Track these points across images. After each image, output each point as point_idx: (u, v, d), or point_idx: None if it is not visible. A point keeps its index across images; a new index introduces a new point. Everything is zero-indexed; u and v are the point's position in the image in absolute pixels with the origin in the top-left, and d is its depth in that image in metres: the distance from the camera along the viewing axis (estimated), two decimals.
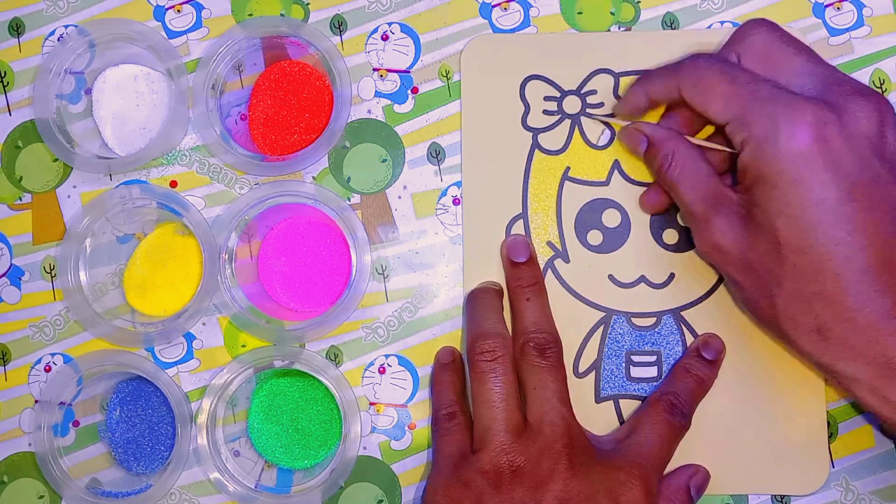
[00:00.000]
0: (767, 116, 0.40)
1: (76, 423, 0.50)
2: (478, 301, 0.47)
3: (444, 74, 0.50)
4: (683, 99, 0.43)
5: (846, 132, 0.39)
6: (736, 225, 0.41)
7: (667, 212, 0.48)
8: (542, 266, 0.48)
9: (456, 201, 0.49)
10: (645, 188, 0.48)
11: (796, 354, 0.43)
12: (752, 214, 0.40)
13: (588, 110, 0.49)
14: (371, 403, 0.48)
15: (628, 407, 0.47)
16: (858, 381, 0.39)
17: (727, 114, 0.41)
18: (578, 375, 0.48)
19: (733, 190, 0.42)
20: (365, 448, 0.48)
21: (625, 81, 0.49)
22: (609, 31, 0.49)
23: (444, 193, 0.49)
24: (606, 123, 0.48)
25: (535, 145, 0.49)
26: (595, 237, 0.48)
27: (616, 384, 0.48)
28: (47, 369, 0.49)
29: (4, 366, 0.50)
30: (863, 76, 0.48)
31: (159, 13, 0.51)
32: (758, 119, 0.40)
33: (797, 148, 0.39)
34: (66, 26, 0.51)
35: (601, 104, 0.49)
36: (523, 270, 0.47)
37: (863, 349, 0.39)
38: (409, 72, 0.50)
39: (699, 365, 0.46)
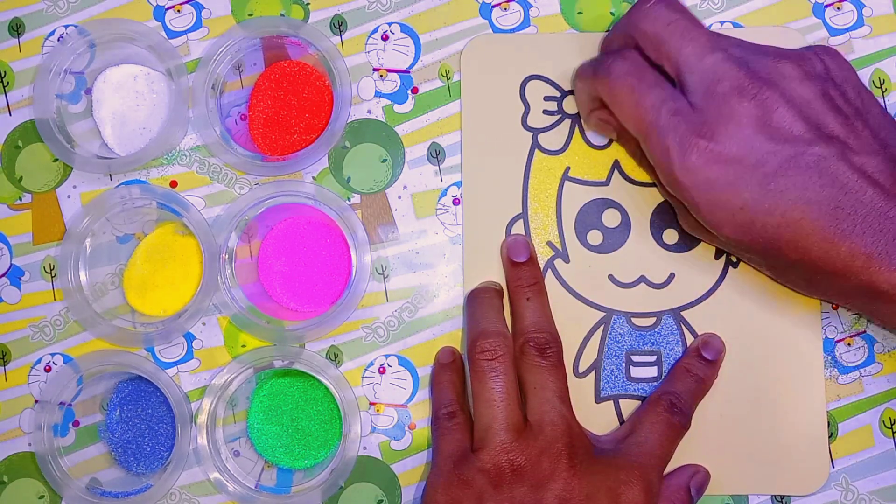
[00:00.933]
0: (663, 149, 0.41)
1: (76, 423, 0.50)
2: (478, 301, 0.47)
3: (444, 74, 0.50)
4: None
5: (733, 143, 0.40)
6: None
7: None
8: (542, 266, 0.48)
9: (456, 201, 0.49)
10: (645, 187, 0.48)
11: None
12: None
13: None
14: (371, 403, 0.48)
15: (628, 407, 0.47)
16: (859, 310, 0.42)
17: (635, 134, 0.43)
18: (578, 375, 0.48)
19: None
20: (365, 448, 0.48)
21: None
22: (609, 31, 0.49)
23: (444, 193, 0.49)
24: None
25: (535, 145, 0.49)
26: (595, 237, 0.48)
27: (616, 384, 0.48)
28: (47, 369, 0.49)
29: (4, 366, 0.50)
30: (863, 76, 0.48)
31: (159, 13, 0.51)
32: (657, 149, 0.41)
33: (693, 178, 0.40)
34: (66, 26, 0.51)
35: None
36: (523, 270, 0.47)
37: (848, 292, 0.41)
38: (409, 72, 0.50)
39: (699, 365, 0.46)
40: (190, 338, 0.49)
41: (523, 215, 0.49)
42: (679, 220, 0.46)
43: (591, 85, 0.45)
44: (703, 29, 0.42)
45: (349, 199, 0.49)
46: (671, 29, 0.42)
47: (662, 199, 0.48)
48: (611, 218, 0.48)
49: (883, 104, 0.48)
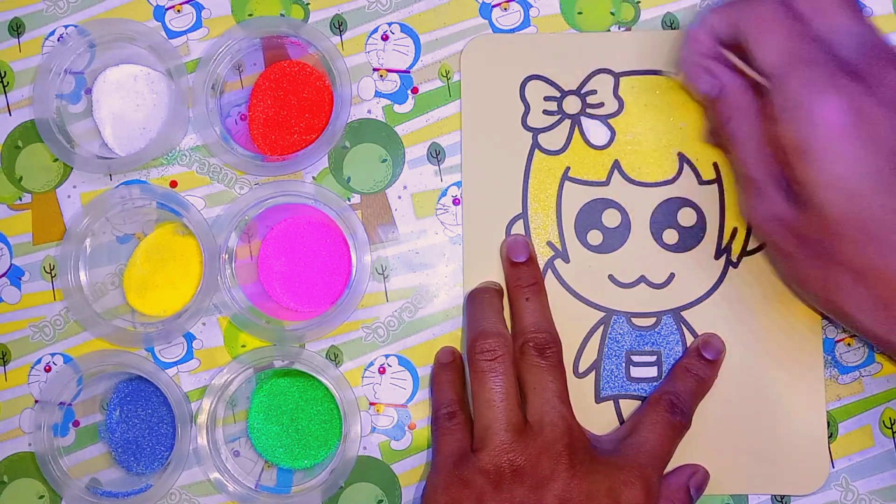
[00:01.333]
0: (806, 83, 0.38)
1: (76, 423, 0.50)
2: (478, 301, 0.47)
3: (444, 74, 0.50)
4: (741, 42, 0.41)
5: (882, 102, 0.38)
6: (792, 198, 0.40)
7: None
8: (541, 266, 0.48)
9: (456, 201, 0.49)
10: (645, 187, 0.48)
11: (851, 328, 0.42)
12: (799, 190, 0.39)
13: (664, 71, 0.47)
14: (371, 403, 0.48)
15: (628, 407, 0.47)
16: None
17: (773, 67, 0.39)
18: (578, 375, 0.48)
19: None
20: (365, 448, 0.48)
21: (625, 81, 0.49)
22: (609, 31, 0.49)
23: (444, 193, 0.49)
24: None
25: (535, 145, 0.49)
26: (595, 237, 0.48)
27: (616, 384, 0.48)
28: (47, 369, 0.49)
29: (4, 366, 0.50)
30: None
31: (159, 13, 0.51)
32: (797, 84, 0.38)
33: (832, 120, 0.37)
34: (66, 26, 0.51)
35: (601, 104, 0.49)
36: (523, 270, 0.47)
37: None
38: (409, 72, 0.50)
39: (699, 365, 0.46)
40: (190, 338, 0.49)
41: (523, 215, 0.49)
42: (745, 199, 0.42)
43: (728, 14, 0.41)
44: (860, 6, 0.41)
45: (349, 199, 0.49)
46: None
47: (662, 200, 0.48)
48: (611, 218, 0.48)
49: None
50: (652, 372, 0.48)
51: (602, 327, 0.48)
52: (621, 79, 0.49)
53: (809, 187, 0.38)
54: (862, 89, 0.38)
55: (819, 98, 0.38)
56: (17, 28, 0.51)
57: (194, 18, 0.51)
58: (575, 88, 0.49)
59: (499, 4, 0.50)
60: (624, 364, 0.48)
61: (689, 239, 0.48)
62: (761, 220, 0.42)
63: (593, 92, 0.49)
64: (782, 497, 0.47)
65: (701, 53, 0.43)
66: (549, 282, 0.48)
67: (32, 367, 0.50)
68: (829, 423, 0.47)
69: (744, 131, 0.41)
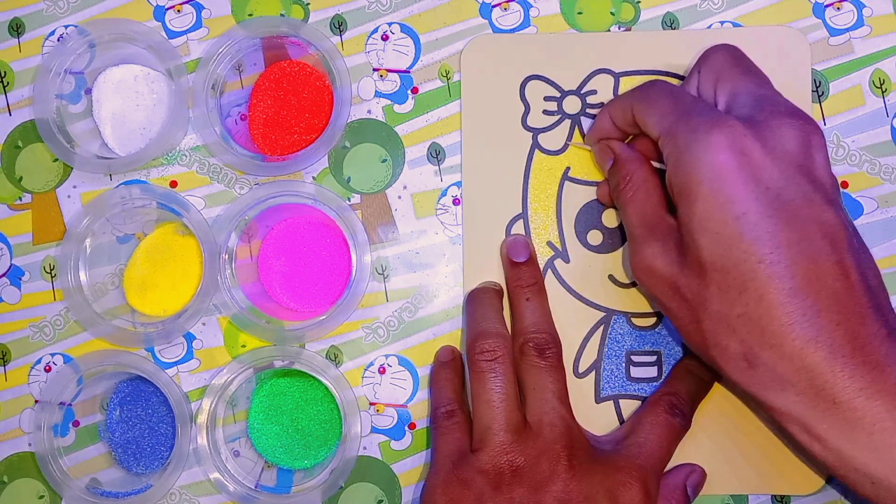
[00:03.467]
0: (691, 129, 0.39)
1: (76, 423, 0.50)
2: (478, 301, 0.47)
3: (444, 74, 0.50)
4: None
5: (768, 147, 0.37)
6: (671, 250, 0.40)
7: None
8: (542, 266, 0.48)
9: (456, 201, 0.49)
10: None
11: (728, 386, 0.42)
12: (681, 236, 0.39)
13: (572, 141, 0.49)
14: (371, 403, 0.48)
15: (628, 407, 0.47)
16: (789, 415, 0.37)
17: (660, 127, 0.41)
18: (578, 375, 0.48)
19: (675, 217, 0.41)
20: (365, 448, 0.48)
21: (625, 81, 0.49)
22: (609, 31, 0.49)
23: (444, 193, 0.49)
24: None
25: (535, 145, 0.49)
26: (595, 237, 0.48)
27: (616, 384, 0.48)
28: (47, 369, 0.49)
29: (4, 366, 0.50)
30: (863, 76, 0.49)
31: (159, 13, 0.51)
32: (682, 131, 0.39)
33: (714, 159, 0.37)
34: (66, 26, 0.51)
35: (601, 104, 0.49)
36: (523, 270, 0.47)
37: (791, 378, 0.36)
38: (409, 72, 0.50)
39: (700, 365, 0.46)
40: (190, 338, 0.49)
41: (523, 215, 0.49)
42: (632, 253, 0.42)
43: (624, 100, 0.44)
44: (766, 76, 0.42)
45: (349, 199, 0.49)
46: (741, 63, 0.42)
47: None
48: (611, 218, 0.48)
49: (883, 103, 0.48)
50: (652, 372, 0.48)
51: (602, 327, 0.48)
52: (621, 79, 0.49)
53: (687, 229, 0.38)
54: (749, 132, 0.38)
55: (703, 138, 0.38)
56: (17, 28, 0.51)
57: (194, 18, 0.51)
58: (575, 88, 0.49)
59: (499, 4, 0.50)
60: (624, 364, 0.48)
61: None
62: (637, 270, 0.42)
63: (593, 92, 0.49)
64: (782, 497, 0.47)
65: (599, 135, 0.46)
66: (549, 282, 0.48)
67: (32, 367, 0.50)
68: None
69: (631, 191, 0.43)
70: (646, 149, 0.45)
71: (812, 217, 0.37)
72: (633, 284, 0.48)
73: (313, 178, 0.49)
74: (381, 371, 0.49)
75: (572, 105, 0.49)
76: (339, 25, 0.50)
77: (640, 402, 0.47)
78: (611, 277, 0.48)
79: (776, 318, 0.36)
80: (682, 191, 0.39)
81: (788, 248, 0.36)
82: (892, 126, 0.48)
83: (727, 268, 0.37)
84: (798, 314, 0.36)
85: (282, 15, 0.50)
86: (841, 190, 0.40)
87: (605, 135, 0.46)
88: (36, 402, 0.49)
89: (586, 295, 0.48)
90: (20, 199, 0.50)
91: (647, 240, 0.41)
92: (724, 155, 0.37)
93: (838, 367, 0.35)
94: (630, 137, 0.46)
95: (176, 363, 0.49)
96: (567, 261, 0.48)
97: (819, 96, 0.49)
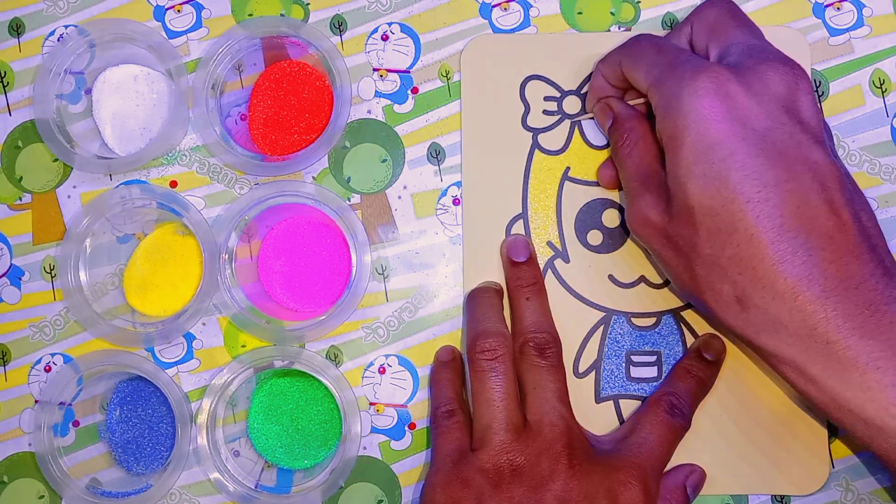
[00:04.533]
0: (677, 77, 0.39)
1: (76, 423, 0.50)
2: (478, 300, 0.47)
3: (444, 74, 0.50)
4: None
5: (753, 90, 0.37)
6: (663, 201, 0.40)
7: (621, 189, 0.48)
8: (542, 266, 0.48)
9: (456, 201, 0.49)
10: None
11: (722, 330, 0.41)
12: (668, 186, 0.39)
13: (582, 116, 0.49)
14: (371, 403, 0.48)
15: (628, 407, 0.47)
16: (783, 357, 0.37)
17: (648, 79, 0.41)
18: (578, 375, 0.48)
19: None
20: (365, 448, 0.48)
21: None
22: (609, 31, 0.49)
23: (444, 193, 0.49)
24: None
25: (535, 145, 0.49)
26: (595, 237, 0.48)
27: (616, 384, 0.48)
28: (47, 369, 0.49)
29: (4, 366, 0.50)
30: (863, 76, 0.49)
31: (159, 13, 0.51)
32: (669, 80, 0.39)
33: (699, 103, 0.37)
34: (66, 26, 0.51)
35: None
36: (523, 270, 0.47)
37: (783, 319, 0.36)
38: (409, 72, 0.50)
39: (700, 365, 0.46)
40: (190, 338, 0.49)
41: (523, 215, 0.49)
42: (628, 209, 0.43)
43: (613, 57, 0.44)
44: (758, 28, 0.42)
45: (349, 199, 0.49)
46: (736, 17, 0.42)
47: None
48: (611, 218, 0.48)
49: (883, 103, 0.48)
50: (652, 372, 0.48)
51: (602, 327, 0.48)
52: None
53: (675, 175, 0.38)
54: (733, 77, 0.38)
55: (689, 84, 0.38)
56: (17, 28, 0.51)
57: (194, 18, 0.51)
58: (575, 88, 0.49)
59: (499, 4, 0.50)
60: (624, 364, 0.48)
61: None
62: (632, 222, 0.42)
63: None
64: (782, 497, 0.47)
65: (598, 95, 0.46)
66: (549, 282, 0.48)
67: (32, 367, 0.50)
68: (829, 423, 0.47)
69: (629, 147, 0.43)
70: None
71: (800, 156, 0.37)
72: (633, 284, 0.48)
73: (313, 178, 0.49)
74: (381, 371, 0.49)
75: (572, 105, 0.49)
76: (339, 25, 0.50)
77: (640, 402, 0.47)
78: (611, 277, 0.48)
79: (767, 257, 0.36)
80: (669, 138, 0.39)
81: (777, 187, 0.36)
82: (892, 126, 0.48)
83: (715, 209, 0.37)
84: (789, 252, 0.35)
85: (282, 15, 0.50)
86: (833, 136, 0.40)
87: (602, 94, 0.46)
88: (36, 402, 0.49)
89: (586, 295, 0.48)
90: (20, 199, 0.50)
91: (641, 192, 0.42)
92: (708, 99, 0.37)
93: (830, 306, 0.35)
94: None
95: (176, 363, 0.49)
96: (567, 261, 0.48)
97: (819, 96, 0.49)
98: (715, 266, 0.38)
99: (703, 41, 0.42)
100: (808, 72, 0.48)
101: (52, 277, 0.50)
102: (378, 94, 0.50)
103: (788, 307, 0.36)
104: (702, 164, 0.37)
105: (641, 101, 0.45)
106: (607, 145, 0.49)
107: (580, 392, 0.47)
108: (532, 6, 0.50)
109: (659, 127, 0.40)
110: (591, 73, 0.49)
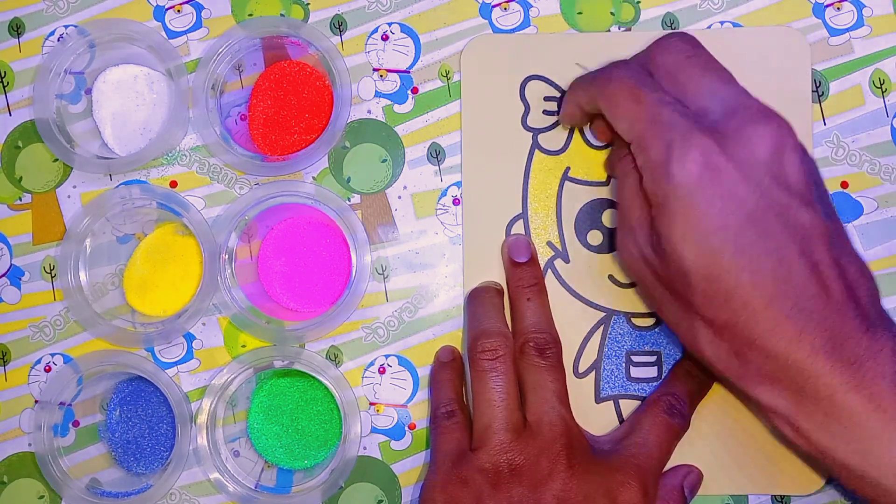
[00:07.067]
0: (664, 143, 0.39)
1: (76, 423, 0.50)
2: (479, 300, 0.47)
3: (444, 74, 0.50)
4: None
5: (738, 159, 0.38)
6: (653, 240, 0.41)
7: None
8: (541, 266, 0.48)
9: (456, 201, 0.49)
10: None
11: (708, 370, 0.42)
12: (659, 241, 0.40)
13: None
14: (371, 403, 0.48)
15: (628, 407, 0.47)
16: (775, 410, 0.39)
17: (631, 134, 0.41)
18: (578, 375, 0.48)
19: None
20: (365, 448, 0.48)
21: None
22: (609, 31, 0.49)
23: (444, 193, 0.49)
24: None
25: (535, 145, 0.49)
26: (595, 237, 0.48)
27: (616, 384, 0.48)
28: (47, 369, 0.49)
29: (4, 366, 0.50)
30: (863, 76, 0.49)
31: (159, 13, 0.51)
32: (654, 144, 0.39)
33: (688, 177, 0.38)
34: (66, 26, 0.51)
35: None
36: (524, 270, 0.47)
37: (777, 375, 0.38)
38: (409, 72, 0.50)
39: (699, 366, 0.46)
40: (190, 338, 0.49)
41: (523, 215, 0.49)
42: (618, 239, 0.43)
43: (587, 90, 0.43)
44: (725, 68, 0.42)
45: (349, 199, 0.49)
46: (692, 60, 0.41)
47: None
48: (611, 218, 0.48)
49: (883, 103, 0.48)
50: (652, 372, 0.48)
51: (602, 327, 0.48)
52: None
53: (667, 240, 0.39)
54: (719, 148, 0.38)
55: (676, 157, 0.38)
56: (17, 28, 0.51)
57: (194, 18, 0.51)
58: None
59: (499, 4, 0.50)
60: (624, 364, 0.48)
61: None
62: (628, 257, 0.42)
63: None
64: (782, 497, 0.47)
65: (571, 122, 0.47)
66: (549, 282, 0.48)
67: (32, 367, 0.50)
68: None
69: (624, 174, 0.42)
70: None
71: (787, 223, 0.37)
72: (633, 285, 0.48)
73: (313, 178, 0.49)
74: (381, 371, 0.49)
75: None
76: (339, 25, 0.50)
77: (640, 402, 0.47)
78: (611, 277, 0.48)
79: (761, 323, 0.37)
80: (658, 203, 0.39)
81: (767, 257, 0.37)
82: (892, 126, 0.48)
83: (711, 277, 0.38)
84: (781, 318, 0.37)
85: (282, 15, 0.50)
86: (826, 188, 0.40)
87: (574, 122, 0.47)
88: (36, 402, 0.49)
89: (586, 295, 0.48)
90: (20, 199, 0.50)
91: (639, 229, 0.41)
92: (696, 175, 0.38)
93: (819, 365, 0.37)
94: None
95: (176, 363, 0.49)
96: (567, 261, 0.48)
97: (819, 96, 0.49)
98: (712, 325, 0.39)
99: (670, 89, 0.41)
100: (808, 72, 0.48)
101: (52, 277, 0.50)
102: (378, 94, 0.50)
103: (781, 365, 0.37)
104: (694, 234, 0.38)
105: None
106: (608, 145, 0.49)
107: (580, 392, 0.47)
108: (532, 6, 0.50)
109: (646, 186, 0.40)
110: None
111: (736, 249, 0.37)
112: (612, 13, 0.50)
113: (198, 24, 0.51)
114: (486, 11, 0.50)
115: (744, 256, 0.37)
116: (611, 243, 0.48)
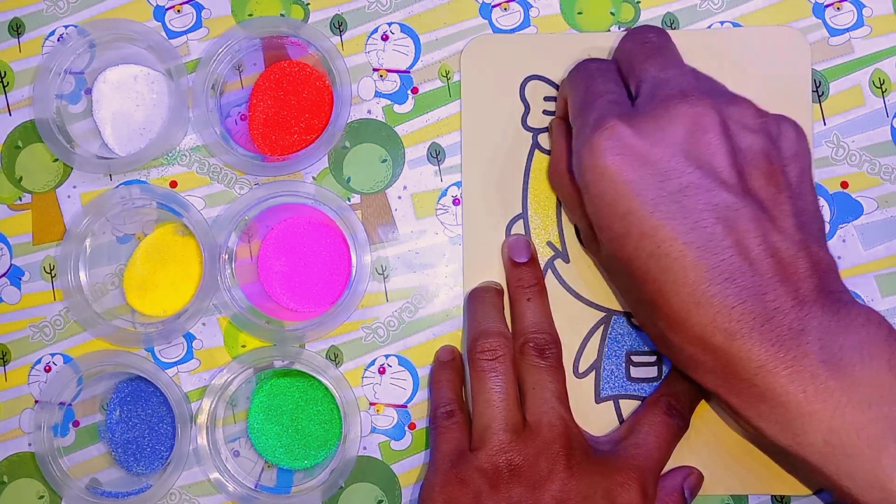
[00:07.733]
0: (582, 127, 0.40)
1: (76, 423, 0.50)
2: (479, 300, 0.47)
3: (444, 74, 0.50)
4: None
5: (650, 140, 0.37)
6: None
7: None
8: (542, 266, 0.48)
9: (456, 201, 0.49)
10: None
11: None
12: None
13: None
14: (371, 403, 0.48)
15: (628, 407, 0.47)
16: (713, 391, 0.39)
17: (572, 120, 0.42)
18: (578, 375, 0.48)
19: None
20: (365, 448, 0.48)
21: None
22: (609, 31, 0.49)
23: (444, 193, 0.49)
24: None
25: (535, 145, 0.49)
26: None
27: (616, 384, 0.48)
28: (47, 369, 0.49)
29: (4, 366, 0.50)
30: (863, 76, 0.48)
31: (159, 13, 0.51)
32: (577, 130, 0.40)
33: (596, 163, 0.38)
34: (66, 26, 0.51)
35: None
36: (524, 271, 0.47)
37: (700, 358, 0.37)
38: (409, 72, 0.50)
39: None
40: (190, 338, 0.49)
41: (523, 215, 0.49)
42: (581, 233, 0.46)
43: (564, 83, 0.46)
44: (679, 56, 0.42)
45: (349, 199, 0.49)
46: (647, 47, 0.42)
47: None
48: None
49: (883, 103, 0.48)
50: (652, 372, 0.48)
51: (602, 327, 0.48)
52: None
53: (595, 226, 0.40)
54: (631, 130, 0.38)
55: (588, 141, 0.39)
56: (17, 28, 0.51)
57: (194, 18, 0.51)
58: None
59: (499, 4, 0.50)
60: (624, 364, 0.48)
61: None
62: (589, 252, 0.46)
63: None
64: (782, 497, 0.47)
65: (561, 112, 0.47)
66: (549, 282, 0.48)
67: (32, 367, 0.50)
68: None
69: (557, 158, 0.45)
70: None
71: (702, 203, 0.37)
72: None
73: (313, 178, 0.49)
74: (381, 371, 0.49)
75: None
76: (339, 25, 0.50)
77: (640, 403, 0.47)
78: None
79: (674, 307, 0.37)
80: (580, 184, 0.40)
81: (675, 241, 0.36)
82: (892, 126, 0.48)
83: (624, 261, 0.38)
84: (692, 302, 0.36)
85: (282, 15, 0.50)
86: (775, 167, 0.38)
87: (563, 113, 0.47)
88: (36, 402, 0.49)
89: (586, 295, 0.48)
90: (20, 199, 0.50)
91: (584, 223, 0.43)
92: (606, 158, 0.38)
93: (736, 347, 0.36)
94: None
95: (176, 363, 0.49)
96: (567, 261, 0.48)
97: (819, 96, 0.49)
98: (639, 308, 0.40)
99: (627, 76, 0.42)
100: (809, 72, 0.48)
101: (52, 277, 0.50)
102: (378, 94, 0.50)
103: (701, 349, 0.37)
104: (605, 219, 0.38)
105: None
106: None
107: (580, 392, 0.47)
108: (532, 6, 0.50)
109: (574, 169, 0.41)
110: None
111: (642, 233, 0.37)
112: (612, 13, 0.50)
113: (198, 24, 0.51)
114: (486, 11, 0.50)
115: (650, 241, 0.37)
116: None
